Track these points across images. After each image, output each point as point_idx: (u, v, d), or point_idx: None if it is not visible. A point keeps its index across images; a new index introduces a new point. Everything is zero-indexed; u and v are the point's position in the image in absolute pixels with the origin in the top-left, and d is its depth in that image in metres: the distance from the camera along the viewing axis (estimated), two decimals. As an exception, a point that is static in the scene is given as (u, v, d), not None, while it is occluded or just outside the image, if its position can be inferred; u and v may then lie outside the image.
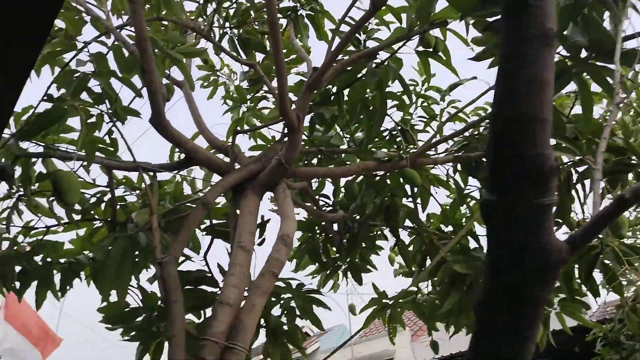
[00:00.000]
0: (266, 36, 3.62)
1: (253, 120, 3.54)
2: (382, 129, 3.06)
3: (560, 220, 2.41)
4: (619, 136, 2.44)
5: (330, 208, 3.31)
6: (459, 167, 2.85)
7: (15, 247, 3.34)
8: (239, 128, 3.38)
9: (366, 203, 2.78)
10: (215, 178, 3.02)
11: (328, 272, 3.30)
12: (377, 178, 2.93)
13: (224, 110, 3.59)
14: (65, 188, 2.21)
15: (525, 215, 0.82)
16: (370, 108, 2.89)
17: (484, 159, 2.44)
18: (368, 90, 2.84)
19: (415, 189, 2.85)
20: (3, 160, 3.00)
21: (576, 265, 2.55)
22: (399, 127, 3.04)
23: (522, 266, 0.82)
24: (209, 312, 2.74)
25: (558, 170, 0.85)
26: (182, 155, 2.69)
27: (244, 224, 2.25)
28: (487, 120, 2.71)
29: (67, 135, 3.11)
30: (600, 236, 2.41)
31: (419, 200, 2.94)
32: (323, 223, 3.35)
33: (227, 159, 2.83)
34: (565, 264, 0.84)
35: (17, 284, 3.27)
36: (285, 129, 2.59)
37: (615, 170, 2.30)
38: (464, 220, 3.06)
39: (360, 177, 2.98)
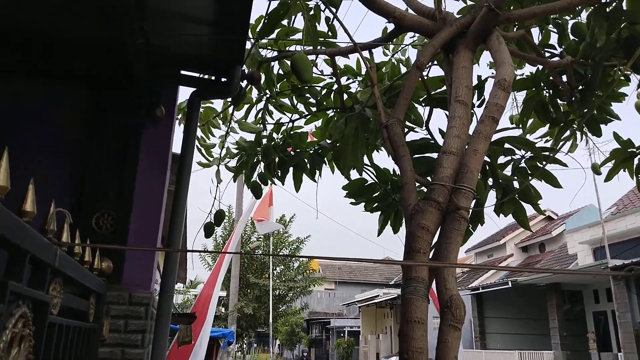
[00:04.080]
0: None
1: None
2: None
3: None
4: None
5: (558, 58, 3.01)
6: None
7: (272, 142, 4.02)
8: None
9: (597, 38, 2.44)
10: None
11: (560, 128, 3.07)
12: (610, 8, 2.51)
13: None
14: (301, 67, 2.56)
15: None
16: None
17: None
18: None
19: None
20: (249, 69, 3.58)
21: None
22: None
23: None
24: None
25: None
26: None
27: (459, 79, 2.26)
28: None
29: (294, 37, 3.50)
30: None
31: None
32: (550, 78, 3.09)
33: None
34: None
35: (279, 173, 3.97)
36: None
37: None
38: None
39: (589, 12, 2.61)
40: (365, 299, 26.63)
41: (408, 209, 2.00)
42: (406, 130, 3.21)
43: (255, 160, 3.77)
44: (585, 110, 2.93)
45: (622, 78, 3.02)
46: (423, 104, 3.25)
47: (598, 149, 3.35)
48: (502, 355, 18.02)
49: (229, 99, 3.80)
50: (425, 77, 3.25)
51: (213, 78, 3.40)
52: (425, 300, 1.77)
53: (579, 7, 2.82)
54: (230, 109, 3.96)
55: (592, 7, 2.67)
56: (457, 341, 1.73)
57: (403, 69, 3.62)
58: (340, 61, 3.57)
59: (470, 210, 2.83)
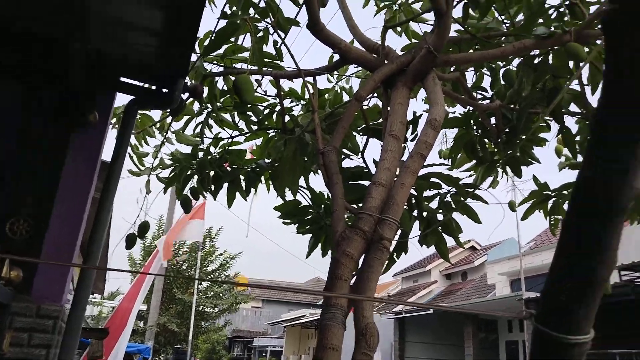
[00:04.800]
0: None
1: (404, 16, 3.50)
2: (547, 5, 2.78)
3: None
4: None
5: (489, 101, 3.21)
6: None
7: (208, 156, 3.96)
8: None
9: (524, 87, 2.64)
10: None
11: (486, 166, 3.26)
12: (538, 60, 2.73)
13: (375, 11, 3.61)
14: (243, 88, 2.57)
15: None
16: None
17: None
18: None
19: (582, 68, 2.57)
20: (193, 81, 3.54)
21: None
22: (567, 2, 2.71)
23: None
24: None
25: None
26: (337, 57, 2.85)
27: (395, 115, 2.35)
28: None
29: (242, 55, 3.51)
30: None
31: (586, 81, 2.67)
32: (480, 119, 3.28)
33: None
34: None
35: (212, 187, 3.91)
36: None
37: None
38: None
39: (518, 62, 2.82)
40: (291, 319, 26.46)
41: (335, 235, 2.04)
42: (343, 157, 3.28)
43: (189, 173, 3.70)
44: (510, 152, 3.13)
45: (544, 125, 3.26)
46: (361, 133, 3.34)
47: (517, 187, 3.60)
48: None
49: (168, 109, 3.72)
50: (366, 107, 3.35)
51: (154, 88, 3.33)
52: (342, 327, 1.80)
53: (511, 57, 3.03)
54: (169, 119, 3.88)
55: (522, 58, 2.89)
56: (367, 370, 1.76)
57: (346, 97, 3.72)
58: (286, 84, 3.62)
59: (395, 240, 2.94)
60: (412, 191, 2.87)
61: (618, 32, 0.83)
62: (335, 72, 3.86)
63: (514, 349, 17.79)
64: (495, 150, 3.30)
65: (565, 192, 2.98)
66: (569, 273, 0.90)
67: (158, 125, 3.94)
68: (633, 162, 0.83)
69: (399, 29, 3.53)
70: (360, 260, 1.99)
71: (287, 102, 3.66)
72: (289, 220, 3.59)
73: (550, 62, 2.84)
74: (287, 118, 3.54)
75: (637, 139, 0.83)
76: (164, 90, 3.30)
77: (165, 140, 3.75)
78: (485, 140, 3.35)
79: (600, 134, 0.89)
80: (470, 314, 17.50)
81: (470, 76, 3.52)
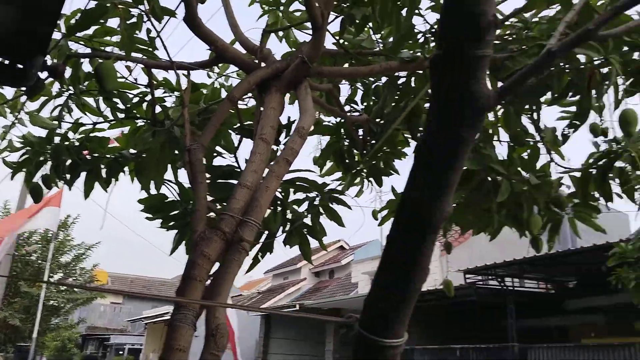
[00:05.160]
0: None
1: (287, 23, 3.57)
2: (416, 31, 3.01)
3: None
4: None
5: (359, 114, 3.40)
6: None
7: (66, 142, 3.67)
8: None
9: (387, 104, 2.85)
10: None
11: (352, 175, 3.45)
12: (403, 80, 2.96)
13: (260, 14, 3.63)
14: (105, 74, 2.43)
15: (463, 65, 0.92)
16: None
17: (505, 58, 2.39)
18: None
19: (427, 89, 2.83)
20: (55, 60, 3.25)
21: (593, 171, 2.60)
22: (434, 30, 2.96)
23: (457, 113, 0.94)
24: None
25: (495, 26, 0.91)
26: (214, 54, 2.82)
27: (267, 119, 2.40)
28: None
29: (113, 38, 3.30)
30: (620, 142, 2.46)
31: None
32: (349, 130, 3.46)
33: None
34: (490, 110, 0.95)
35: (68, 176, 3.63)
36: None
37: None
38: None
39: (385, 81, 3.03)
40: (152, 316, 25.34)
41: (194, 235, 2.03)
42: (215, 154, 3.26)
43: (42, 158, 3.40)
44: (373, 162, 3.35)
45: (404, 140, 3.53)
46: (235, 132, 3.34)
47: (380, 197, 3.88)
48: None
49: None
50: (244, 107, 3.36)
51: (7, 62, 2.99)
52: (192, 328, 1.79)
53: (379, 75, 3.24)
54: (23, 98, 3.52)
55: (388, 78, 3.10)
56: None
57: (224, 94, 3.68)
58: (161, 74, 3.47)
59: (261, 242, 2.99)
60: (279, 194, 2.95)
61: (440, 72, 0.96)
62: (216, 69, 3.81)
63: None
64: (361, 160, 3.50)
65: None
66: (394, 284, 1.01)
67: (10, 104, 3.55)
68: (450, 186, 0.97)
69: (280, 34, 3.59)
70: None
71: (159, 93, 3.52)
72: (154, 216, 3.47)
73: (413, 84, 3.11)
74: (158, 109, 3.42)
75: (452, 164, 0.97)
76: (19, 66, 2.99)
77: (17, 120, 3.39)
78: (354, 150, 3.55)
79: (427, 159, 1.02)
80: (334, 309, 18.26)
81: (346, 88, 3.70)
